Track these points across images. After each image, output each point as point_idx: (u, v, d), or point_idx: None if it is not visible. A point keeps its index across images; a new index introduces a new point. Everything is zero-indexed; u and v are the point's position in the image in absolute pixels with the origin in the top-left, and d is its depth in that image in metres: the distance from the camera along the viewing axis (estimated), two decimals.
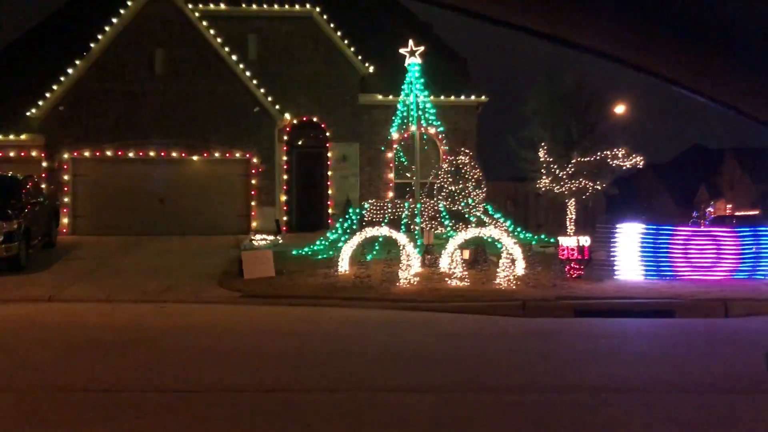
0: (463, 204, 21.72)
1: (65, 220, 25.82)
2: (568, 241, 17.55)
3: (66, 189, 26.35)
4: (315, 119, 28.76)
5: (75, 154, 26.50)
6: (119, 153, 26.49)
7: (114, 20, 26.52)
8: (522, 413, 6.67)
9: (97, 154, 26.46)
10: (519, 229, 23.48)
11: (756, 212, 56.58)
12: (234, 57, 26.93)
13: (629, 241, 17.67)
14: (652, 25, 1.09)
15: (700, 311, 13.96)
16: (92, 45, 26.39)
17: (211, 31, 26.85)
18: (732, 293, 15.17)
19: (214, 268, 18.57)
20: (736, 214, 59.36)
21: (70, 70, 26.30)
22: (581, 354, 9.74)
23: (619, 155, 25.92)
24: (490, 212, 22.08)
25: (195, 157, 26.89)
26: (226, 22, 27.82)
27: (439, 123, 22.87)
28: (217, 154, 26.93)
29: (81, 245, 22.47)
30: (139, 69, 26.64)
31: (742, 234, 18.86)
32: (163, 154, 26.61)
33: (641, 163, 26.56)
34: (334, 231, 22.43)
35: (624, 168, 26.90)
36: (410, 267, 17.21)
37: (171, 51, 26.79)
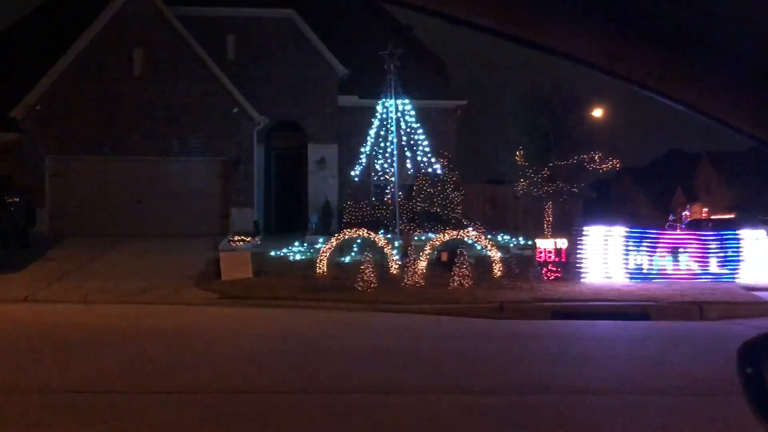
0: (441, 206, 21.80)
1: (42, 220, 25.61)
2: (546, 244, 17.65)
3: (43, 189, 26.16)
4: (294, 121, 28.74)
5: (53, 153, 26.32)
6: (97, 153, 26.34)
7: (93, 21, 26.38)
8: (499, 414, 6.72)
9: (75, 154, 26.29)
10: (496, 232, 23.56)
11: (731, 216, 57.03)
12: (213, 58, 26.85)
13: (602, 243, 17.78)
14: (628, 28, 1.12)
15: (676, 314, 14.07)
16: (71, 45, 26.23)
17: (190, 32, 26.76)
18: (707, 296, 15.30)
19: (191, 270, 18.51)
20: (712, 217, 59.77)
21: (48, 70, 26.12)
22: (558, 356, 9.81)
23: (596, 159, 26.11)
24: (468, 214, 22.16)
25: (173, 158, 26.78)
26: (205, 23, 27.71)
27: (418, 125, 22.90)
28: (195, 155, 26.84)
29: (58, 245, 22.32)
30: (118, 69, 26.49)
31: (716, 237, 19.04)
32: (141, 154, 26.47)
33: (618, 167, 26.77)
34: (312, 232, 22.42)
35: (601, 171, 27.11)
36: (388, 269, 17.25)
37: (150, 51, 26.67)
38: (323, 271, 17.62)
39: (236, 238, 22.96)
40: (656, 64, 1.15)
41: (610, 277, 17.42)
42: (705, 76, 1.14)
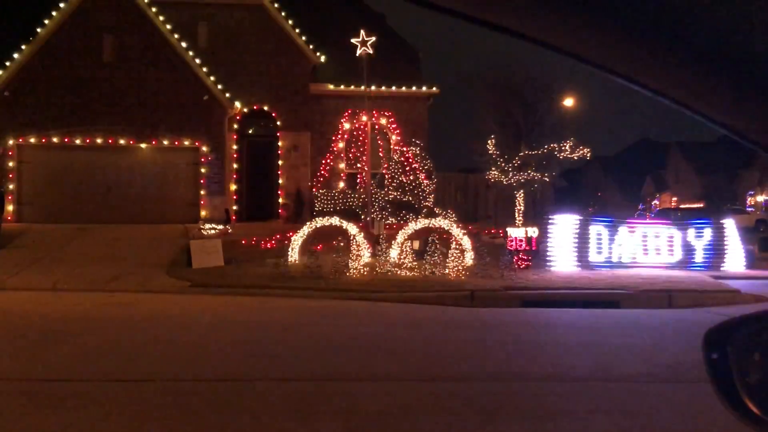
0: (413, 194, 21.83)
1: (10, 208, 25.33)
2: (517, 232, 17.75)
3: (11, 176, 25.88)
4: (266, 108, 28.61)
5: (20, 140, 26.03)
6: (66, 140, 26.08)
7: (62, 5, 26.08)
8: (468, 402, 6.75)
9: (44, 140, 26.02)
10: (468, 220, 23.63)
11: (700, 205, 57.66)
12: (184, 44, 26.64)
13: (572, 233, 17.91)
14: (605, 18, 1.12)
15: (645, 302, 14.20)
16: (39, 30, 25.93)
17: (161, 18, 26.52)
18: (676, 285, 15.46)
19: (162, 258, 18.41)
20: (681, 206, 60.42)
21: (15, 55, 25.80)
22: (527, 344, 9.87)
23: (567, 148, 26.25)
24: (440, 203, 22.22)
25: (143, 145, 26.59)
26: (176, 9, 27.47)
27: (390, 114, 22.90)
28: (165, 142, 26.65)
29: (27, 233, 22.10)
30: (87, 55, 26.23)
31: (686, 226, 19.24)
32: (110, 141, 26.27)
33: (588, 156, 26.95)
34: (284, 220, 22.35)
35: (572, 160, 27.27)
36: (360, 257, 17.25)
37: (120, 37, 26.41)
38: (295, 260, 17.60)
39: (207, 225, 22.86)
40: (622, 49, 1.16)
41: (580, 266, 17.56)
42: (672, 62, 1.15)
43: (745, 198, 63.26)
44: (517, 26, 1.17)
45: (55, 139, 26.04)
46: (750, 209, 55.86)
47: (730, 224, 19.15)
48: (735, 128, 1.20)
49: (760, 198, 61.07)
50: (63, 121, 25.99)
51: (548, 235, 18.04)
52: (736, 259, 18.75)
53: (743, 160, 62.86)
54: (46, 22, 25.95)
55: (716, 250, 18.72)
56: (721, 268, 18.34)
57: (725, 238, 18.82)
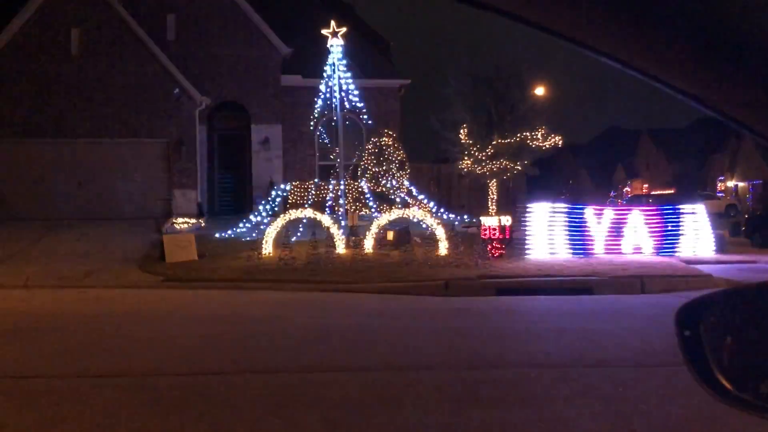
0: (387, 185, 21.81)
1: None
2: (490, 221, 17.78)
3: None
4: (236, 101, 28.48)
5: None
6: (34, 135, 25.80)
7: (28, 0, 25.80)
8: (443, 390, 6.77)
9: (12, 136, 25.73)
10: (442, 210, 23.65)
11: (671, 191, 58.15)
12: (153, 38, 26.43)
13: (545, 220, 17.97)
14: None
15: (618, 288, 14.31)
16: (5, 24, 25.61)
17: (129, 11, 26.29)
18: (648, 270, 15.58)
19: (135, 253, 18.28)
20: (652, 193, 60.91)
21: None
22: (502, 331, 9.91)
23: (538, 136, 26.35)
24: (414, 193, 22.23)
25: (114, 140, 26.37)
26: (144, 2, 27.26)
27: (362, 105, 22.83)
28: (136, 136, 26.45)
29: None
30: (55, 49, 25.96)
31: (656, 212, 19.39)
32: (80, 135, 26.01)
33: (560, 144, 27.06)
34: (257, 213, 22.24)
35: (543, 148, 27.38)
36: (334, 249, 17.24)
37: (87, 31, 26.16)
38: (269, 252, 17.54)
39: (180, 219, 22.73)
40: (592, 19, 1.15)
41: (553, 254, 17.64)
42: (642, 31, 1.15)
43: (716, 183, 63.88)
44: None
45: (24, 135, 25.75)
46: (720, 194, 56.46)
47: (700, 210, 19.31)
48: (699, 97, 1.21)
49: (730, 183, 61.69)
50: (32, 116, 25.74)
51: (521, 223, 18.10)
52: (707, 244, 18.92)
53: (713, 146, 63.45)
54: (13, 16, 25.65)
55: (687, 235, 18.88)
56: (693, 254, 18.49)
57: (696, 224, 18.98)
